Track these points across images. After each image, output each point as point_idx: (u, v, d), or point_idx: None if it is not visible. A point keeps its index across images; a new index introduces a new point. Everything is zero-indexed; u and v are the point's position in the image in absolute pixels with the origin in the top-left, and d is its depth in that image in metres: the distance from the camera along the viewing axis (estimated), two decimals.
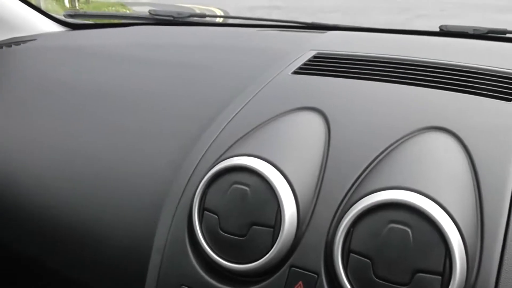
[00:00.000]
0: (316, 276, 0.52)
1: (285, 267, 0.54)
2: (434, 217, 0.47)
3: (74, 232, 0.71)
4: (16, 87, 0.95)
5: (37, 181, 0.77)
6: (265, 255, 0.54)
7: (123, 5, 7.61)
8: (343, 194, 0.55)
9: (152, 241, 0.61)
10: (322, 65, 0.76)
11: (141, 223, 0.64)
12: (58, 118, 0.84)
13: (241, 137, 0.63)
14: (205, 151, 0.64)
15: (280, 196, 0.54)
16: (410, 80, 0.69)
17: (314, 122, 0.63)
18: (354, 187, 0.55)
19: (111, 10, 6.68)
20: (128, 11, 6.81)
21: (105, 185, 0.70)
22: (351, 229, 0.50)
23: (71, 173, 0.74)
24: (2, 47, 1.09)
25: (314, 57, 0.80)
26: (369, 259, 0.49)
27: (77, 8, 6.57)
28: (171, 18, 1.20)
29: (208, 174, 0.58)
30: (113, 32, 1.18)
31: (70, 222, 0.71)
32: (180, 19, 1.21)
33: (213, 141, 0.64)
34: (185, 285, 0.58)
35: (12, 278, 0.97)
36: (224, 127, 0.66)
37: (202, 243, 0.56)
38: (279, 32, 1.13)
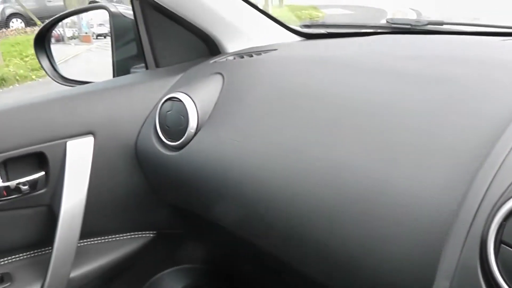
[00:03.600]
0: None
1: None
2: None
3: (340, 249, 0.70)
4: (261, 96, 0.95)
5: (295, 195, 0.77)
6: None
7: (316, 8, 7.73)
8: None
9: (436, 267, 0.59)
10: None
11: (423, 247, 0.61)
12: (307, 129, 0.81)
13: None
14: (492, 179, 0.58)
15: None
16: None
17: None
18: None
19: (305, 14, 6.82)
20: (320, 14, 6.89)
21: (376, 204, 0.67)
22: None
23: (333, 187, 0.72)
24: (243, 57, 1.11)
25: None
26: None
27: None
28: (409, 27, 1.13)
29: (507, 207, 0.54)
30: (352, 41, 1.13)
31: (341, 241, 0.70)
32: (418, 28, 1.13)
33: (498, 170, 0.58)
34: None
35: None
36: (505, 158, 0.59)
37: (497, 277, 0.53)
38: None
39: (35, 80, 8.92)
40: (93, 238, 1.22)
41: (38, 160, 1.09)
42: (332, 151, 0.75)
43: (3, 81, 8.77)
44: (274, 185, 0.80)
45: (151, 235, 1.27)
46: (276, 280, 1.11)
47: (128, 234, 1.25)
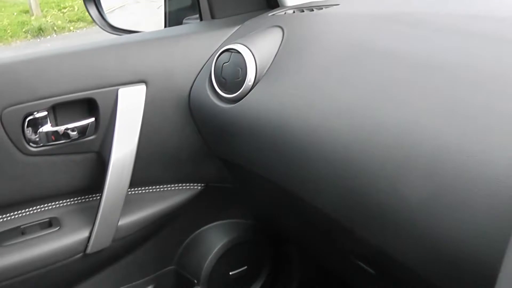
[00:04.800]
0: None
1: None
2: None
3: (403, 213, 0.67)
4: (323, 52, 0.91)
5: (357, 154, 0.73)
6: None
7: None
8: None
9: (508, 239, 0.54)
10: None
11: (494, 216, 0.57)
12: (372, 87, 0.77)
13: None
14: None
15: None
16: None
17: None
18: None
19: None
20: None
21: (445, 168, 0.63)
22: None
23: (400, 149, 0.68)
24: (303, 11, 1.07)
25: None
26: None
27: None
28: None
29: None
30: None
31: (404, 205, 0.67)
32: None
33: None
34: None
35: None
36: None
37: None
38: None
39: (73, 31, 8.98)
40: (142, 187, 1.23)
41: (88, 106, 1.09)
42: (399, 110, 0.72)
43: (41, 31, 8.87)
44: (335, 143, 0.78)
45: (199, 187, 1.28)
46: (324, 238, 1.09)
47: (176, 185, 1.26)
